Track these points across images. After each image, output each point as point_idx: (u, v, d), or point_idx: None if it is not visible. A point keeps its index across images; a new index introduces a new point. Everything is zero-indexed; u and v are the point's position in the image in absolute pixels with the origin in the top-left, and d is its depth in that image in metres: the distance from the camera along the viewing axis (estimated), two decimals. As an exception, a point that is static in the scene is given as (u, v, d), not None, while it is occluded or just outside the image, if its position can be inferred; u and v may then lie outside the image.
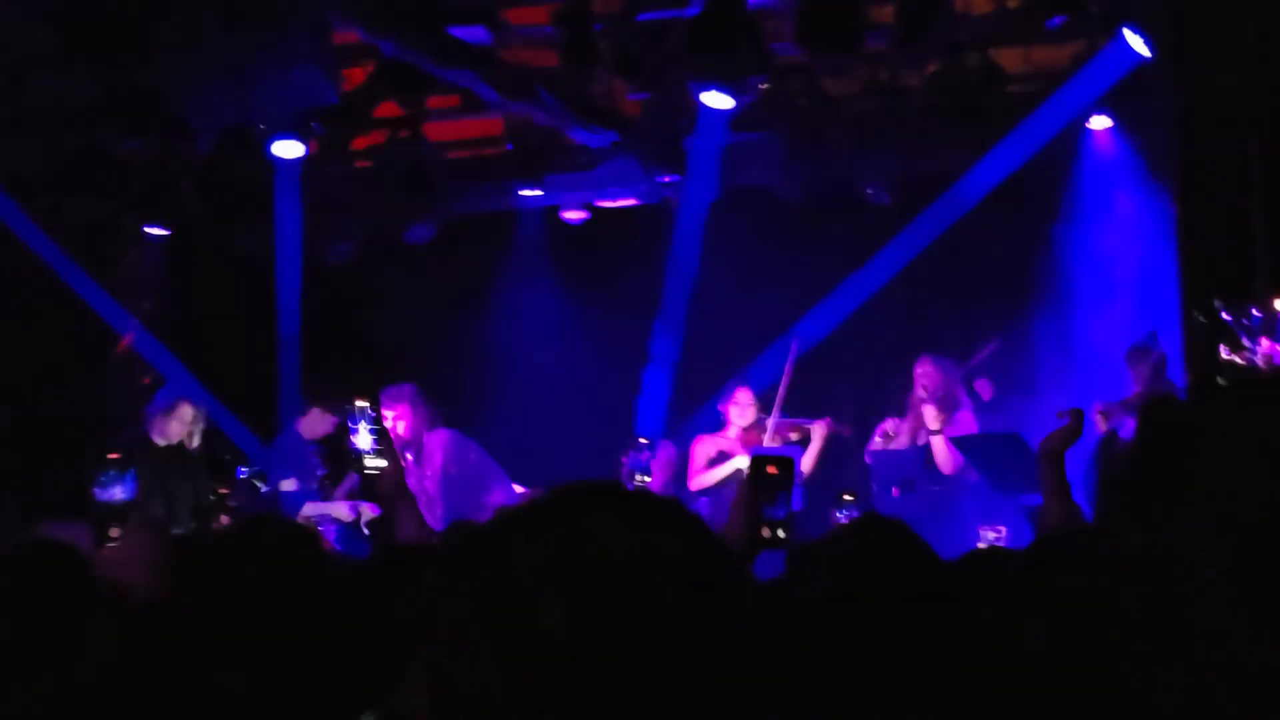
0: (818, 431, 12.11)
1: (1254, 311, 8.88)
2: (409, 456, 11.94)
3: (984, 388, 12.07)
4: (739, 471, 11.99)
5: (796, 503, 11.62)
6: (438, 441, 12.04)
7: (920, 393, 11.88)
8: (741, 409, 12.26)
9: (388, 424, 11.92)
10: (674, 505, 1.74)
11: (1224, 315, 8.77)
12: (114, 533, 3.24)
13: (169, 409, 11.86)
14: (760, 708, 1.66)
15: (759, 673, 1.67)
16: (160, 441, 11.59)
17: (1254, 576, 1.27)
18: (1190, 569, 1.30)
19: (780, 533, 4.12)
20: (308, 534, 3.94)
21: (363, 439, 5.32)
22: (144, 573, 3.50)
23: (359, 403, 5.42)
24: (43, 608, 4.05)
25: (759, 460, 4.22)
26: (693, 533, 1.71)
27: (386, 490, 6.01)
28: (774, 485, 4.14)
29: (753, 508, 4.14)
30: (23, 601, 4.19)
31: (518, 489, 11.80)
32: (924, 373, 11.92)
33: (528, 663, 1.60)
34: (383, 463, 5.26)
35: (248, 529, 4.03)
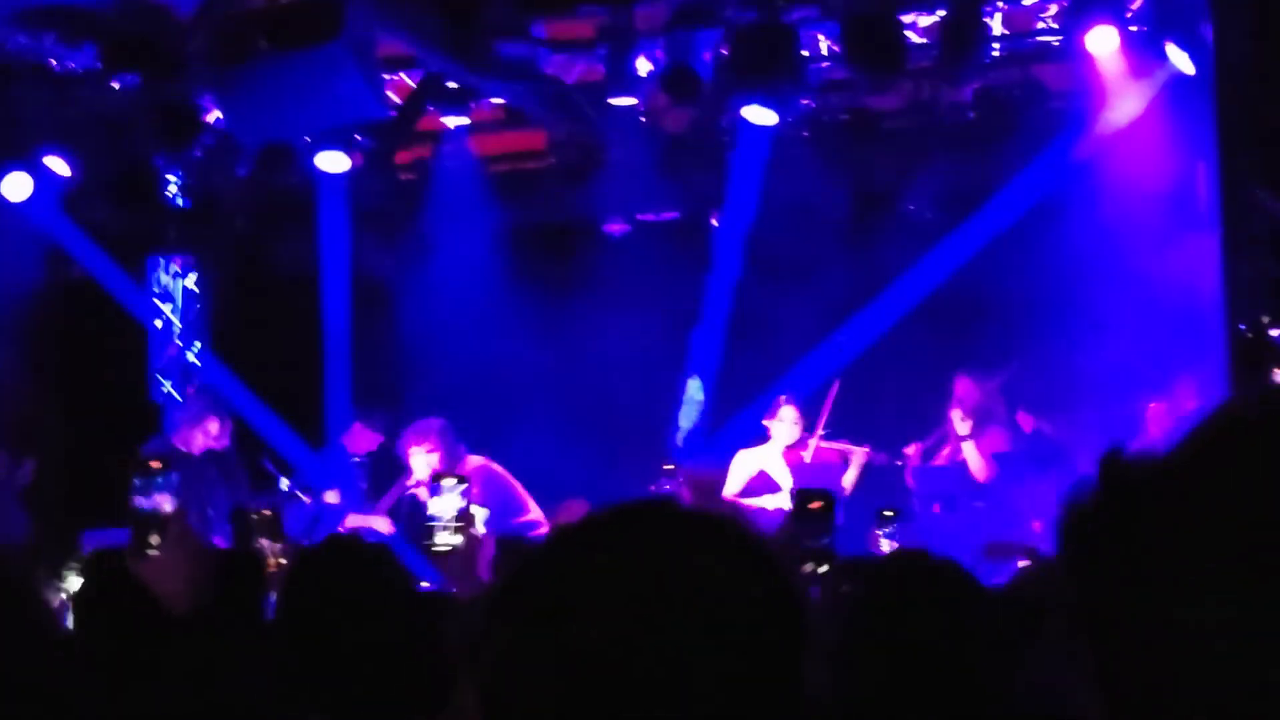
0: (856, 460, 12.10)
1: None
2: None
3: (1025, 420, 12.06)
4: (779, 510, 11.99)
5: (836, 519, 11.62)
6: (476, 476, 12.00)
7: (956, 404, 11.92)
8: (786, 424, 12.25)
9: (411, 461, 11.87)
10: (732, 524, 1.73)
11: (1272, 333, 8.73)
12: (154, 540, 3.26)
13: (195, 420, 11.89)
14: None
15: (818, 694, 1.67)
16: (184, 451, 11.63)
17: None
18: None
19: (822, 567, 4.13)
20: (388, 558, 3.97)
21: (448, 504, 5.23)
22: (184, 584, 3.52)
23: (447, 480, 5.33)
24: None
25: (803, 495, 4.23)
26: (752, 552, 1.70)
27: (455, 573, 5.97)
28: (816, 519, 4.15)
29: (794, 541, 4.15)
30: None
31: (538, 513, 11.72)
32: (963, 391, 11.95)
33: (581, 682, 1.59)
34: (459, 540, 5.19)
35: (331, 551, 4.07)
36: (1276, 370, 8.69)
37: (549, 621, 1.63)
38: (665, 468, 11.52)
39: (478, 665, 1.68)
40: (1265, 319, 8.68)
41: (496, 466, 11.90)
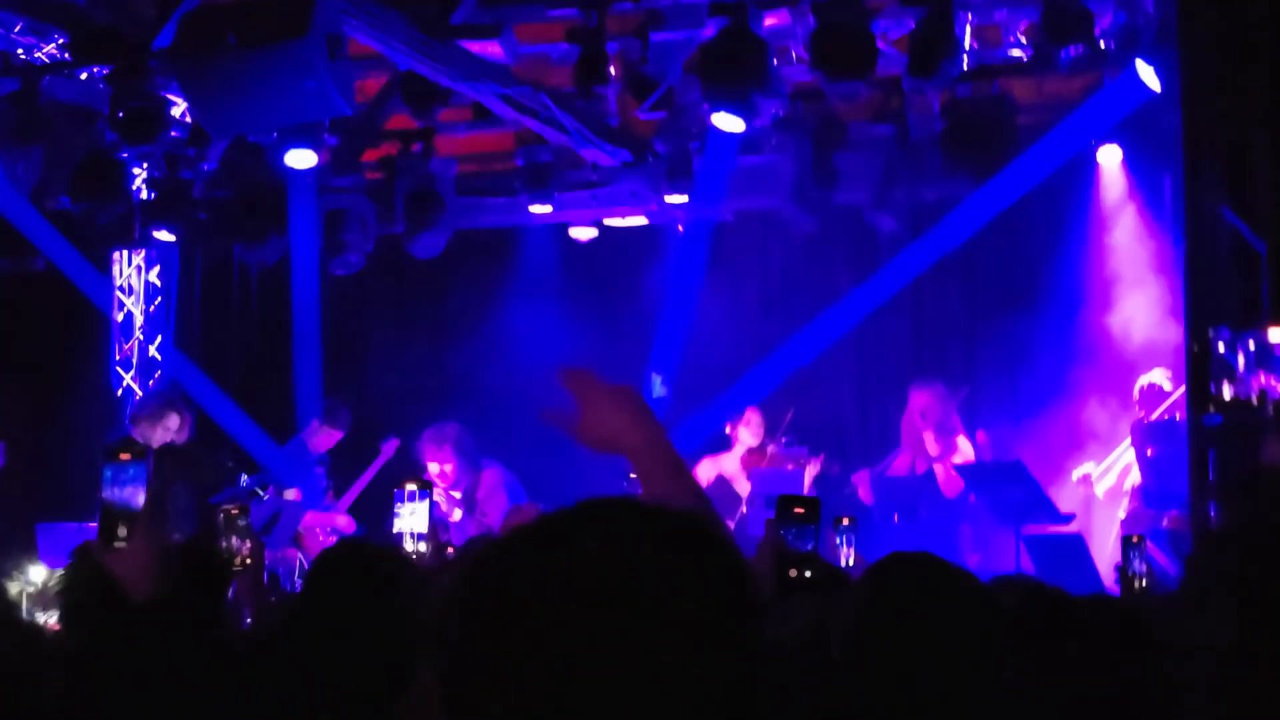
0: (809, 471, 12.12)
1: (1250, 344, 8.88)
2: (456, 495, 11.89)
3: (983, 438, 12.10)
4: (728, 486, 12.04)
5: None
6: (496, 481, 11.99)
7: (918, 420, 11.93)
8: (752, 430, 12.30)
9: (430, 467, 11.87)
10: (694, 521, 1.73)
11: (1218, 347, 8.77)
12: (122, 532, 3.23)
13: (155, 415, 11.84)
14: None
15: (776, 691, 1.67)
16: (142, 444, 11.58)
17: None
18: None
19: (808, 571, 4.11)
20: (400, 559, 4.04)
21: (408, 525, 5.22)
22: (146, 576, 3.52)
23: (410, 486, 5.31)
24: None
25: (786, 500, 4.21)
26: (711, 549, 1.70)
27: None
28: (801, 523, 4.14)
29: (779, 547, 4.13)
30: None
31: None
32: (922, 402, 11.97)
33: (538, 676, 1.59)
34: (422, 547, 5.18)
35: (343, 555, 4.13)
36: (1226, 384, 8.72)
37: (505, 614, 1.62)
38: (631, 476, 11.53)
39: (437, 657, 1.67)
40: (1211, 332, 8.71)
41: (506, 473, 11.96)
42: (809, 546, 4.14)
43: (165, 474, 11.42)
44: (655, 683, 1.58)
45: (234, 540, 5.62)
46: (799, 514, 4.17)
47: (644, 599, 1.61)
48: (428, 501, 5.58)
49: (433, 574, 5.06)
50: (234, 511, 5.71)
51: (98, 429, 13.05)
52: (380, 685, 3.59)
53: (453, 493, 11.90)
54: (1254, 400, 8.70)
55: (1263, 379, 8.80)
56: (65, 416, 13.83)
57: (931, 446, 11.87)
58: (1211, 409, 8.83)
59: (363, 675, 3.64)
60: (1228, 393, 8.75)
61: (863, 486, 12.10)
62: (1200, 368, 8.99)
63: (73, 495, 12.11)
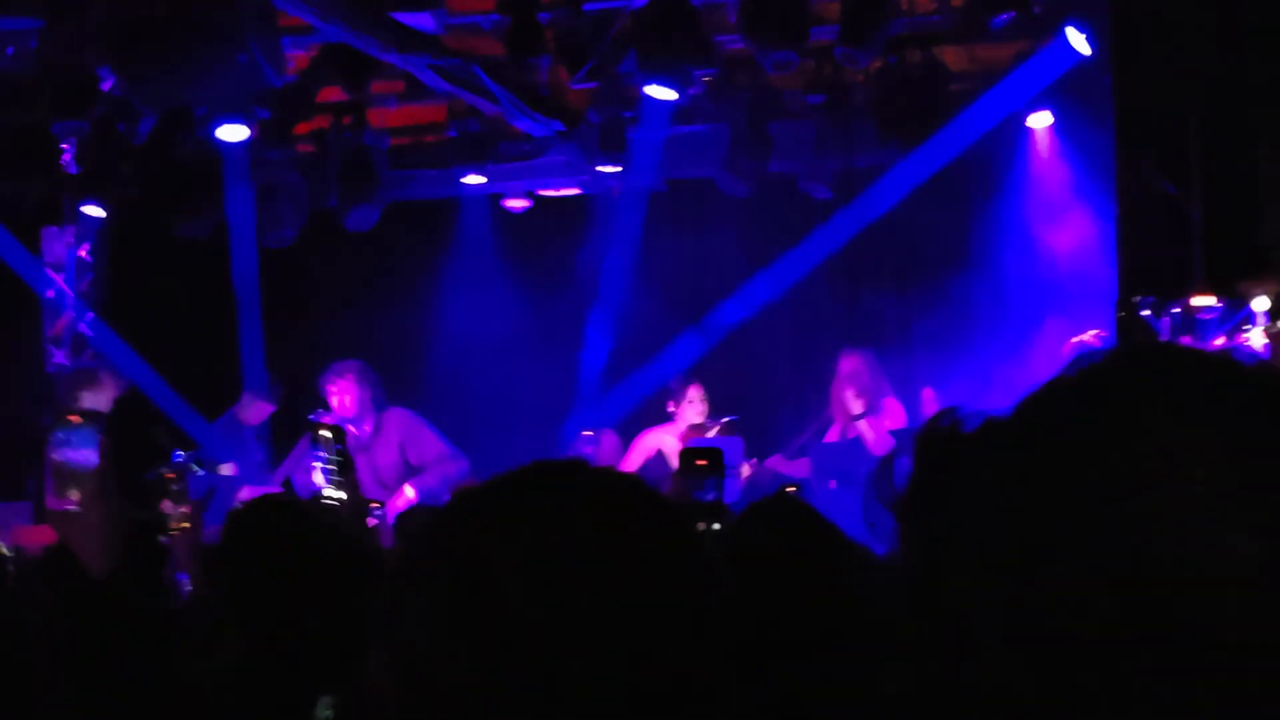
0: (743, 471, 12.10)
1: (1174, 309, 8.96)
2: (351, 429, 11.91)
3: (929, 397, 12.13)
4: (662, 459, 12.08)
5: (733, 493, 11.68)
6: (394, 422, 12.01)
7: (842, 389, 11.96)
8: (695, 408, 12.29)
9: (332, 400, 11.90)
10: (637, 484, 1.74)
11: (1143, 313, 8.84)
12: (74, 495, 3.20)
13: (84, 389, 11.76)
14: (721, 688, 1.66)
15: (723, 653, 1.67)
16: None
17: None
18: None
19: (714, 524, 4.12)
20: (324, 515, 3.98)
21: (319, 477, 5.20)
22: (101, 544, 3.50)
23: (323, 431, 5.28)
24: None
25: (688, 453, 4.23)
26: (656, 512, 1.70)
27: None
28: (703, 474, 4.14)
29: (683, 498, 4.15)
30: None
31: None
32: (851, 368, 11.99)
33: (488, 642, 1.59)
34: (341, 495, 5.15)
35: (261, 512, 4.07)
36: None
37: (454, 581, 1.62)
38: (584, 434, 11.52)
39: (386, 625, 1.67)
40: (1136, 298, 8.78)
41: (413, 419, 11.96)
42: (711, 497, 4.15)
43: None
44: (614, 644, 1.59)
45: (169, 505, 5.60)
46: (701, 465, 4.18)
47: (599, 561, 1.62)
48: (320, 461, 5.55)
49: (357, 524, 5.04)
50: (169, 476, 5.69)
51: (30, 407, 12.95)
52: (311, 637, 3.57)
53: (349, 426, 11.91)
54: None
55: (1185, 343, 8.88)
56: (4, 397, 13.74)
57: (854, 404, 11.90)
58: None
59: (289, 626, 3.60)
60: None
61: (779, 467, 12.15)
62: (1125, 334, 9.06)
63: (5, 473, 12.03)
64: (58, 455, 3.15)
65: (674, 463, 11.98)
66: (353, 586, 3.56)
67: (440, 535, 1.69)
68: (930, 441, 1.37)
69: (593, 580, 1.61)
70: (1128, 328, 9.04)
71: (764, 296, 13.28)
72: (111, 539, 3.28)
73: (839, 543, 3.38)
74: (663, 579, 1.64)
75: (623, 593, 1.61)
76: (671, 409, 12.43)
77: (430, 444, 11.93)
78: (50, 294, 14.48)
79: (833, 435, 12.19)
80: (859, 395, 11.91)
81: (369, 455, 11.88)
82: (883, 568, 3.55)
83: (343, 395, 11.91)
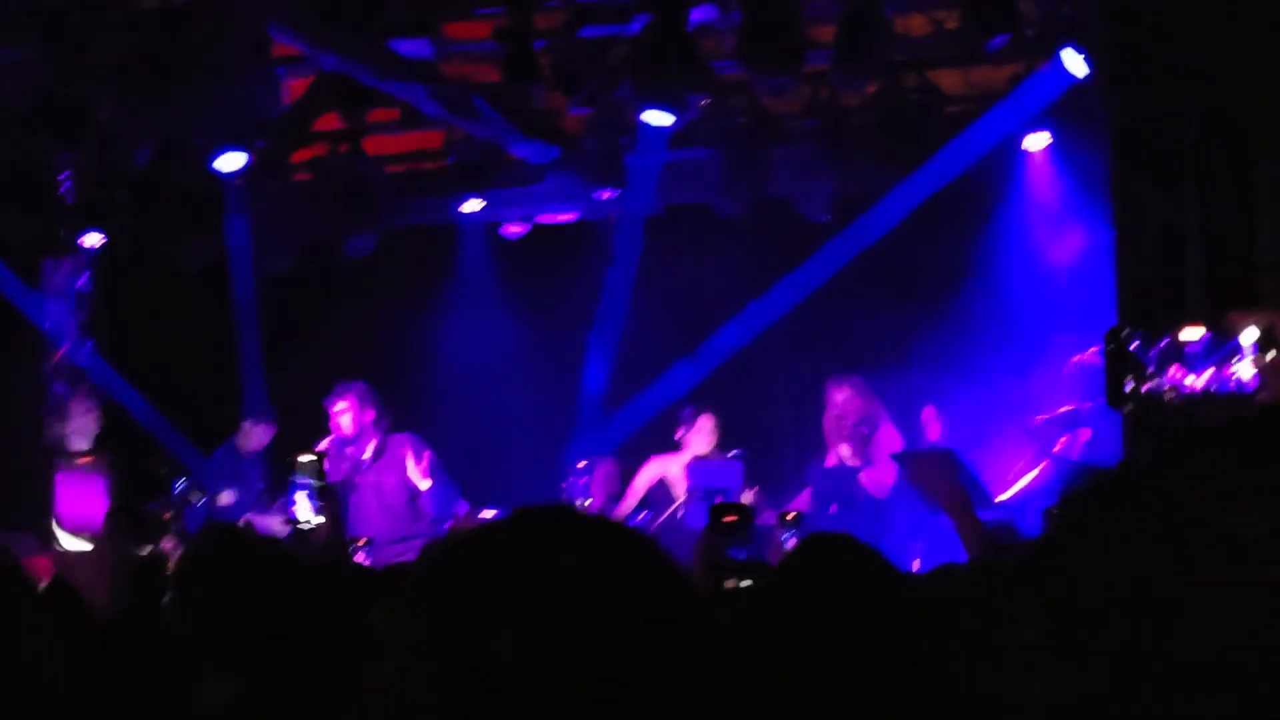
0: (745, 497, 12.09)
1: (1163, 341, 8.96)
2: (349, 451, 11.88)
3: (930, 418, 12.11)
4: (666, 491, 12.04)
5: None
6: (398, 445, 11.97)
7: (837, 418, 11.92)
8: (704, 435, 12.24)
9: (335, 421, 11.88)
10: (630, 532, 1.74)
11: (1132, 346, 8.85)
12: (84, 535, 3.22)
13: (79, 419, 11.76)
14: None
15: (715, 702, 1.67)
16: (83, 446, 11.51)
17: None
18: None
19: (745, 581, 4.09)
20: (274, 546, 3.98)
21: (302, 508, 5.18)
22: (108, 580, 3.49)
23: (303, 458, 5.26)
24: None
25: (717, 509, 4.20)
26: (650, 560, 1.70)
27: (318, 544, 5.93)
28: (733, 532, 4.12)
29: (713, 555, 4.13)
30: None
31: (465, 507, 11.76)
32: (844, 398, 11.95)
33: (475, 687, 1.58)
34: (320, 520, 5.14)
35: (215, 542, 4.05)
36: (1130, 380, 8.79)
37: (443, 624, 1.62)
38: (579, 465, 11.50)
39: (374, 667, 1.67)
40: (1125, 331, 8.79)
41: (415, 444, 11.93)
42: (743, 556, 4.12)
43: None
44: (602, 693, 1.58)
45: (168, 545, 5.61)
46: (729, 523, 4.15)
47: (587, 610, 1.62)
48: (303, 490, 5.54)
49: (337, 552, 5.04)
50: (166, 517, 5.70)
51: (29, 438, 12.94)
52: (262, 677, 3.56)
53: (349, 448, 11.89)
54: (1165, 395, 8.77)
55: (1174, 374, 8.88)
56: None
57: (850, 459, 11.89)
58: (1126, 404, 8.90)
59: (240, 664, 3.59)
60: (1137, 388, 8.84)
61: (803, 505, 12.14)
62: (1115, 366, 9.06)
63: (6, 506, 12.02)
64: (63, 495, 3.15)
65: (678, 490, 12.01)
66: (321, 615, 3.56)
67: (430, 578, 1.69)
68: (1071, 500, 1.40)
69: (581, 629, 1.60)
70: (1117, 360, 9.04)
71: (762, 321, 13.29)
72: (116, 577, 3.29)
73: (892, 576, 3.37)
74: (652, 630, 1.64)
75: (611, 642, 1.61)
76: (679, 436, 12.37)
77: (430, 469, 11.91)
78: (49, 325, 14.47)
79: (831, 461, 12.17)
80: (851, 445, 11.89)
81: (372, 477, 11.88)
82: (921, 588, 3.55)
83: (345, 415, 11.91)
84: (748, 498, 11.93)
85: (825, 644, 3.25)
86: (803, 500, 12.00)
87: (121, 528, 3.52)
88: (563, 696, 1.58)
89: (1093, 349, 11.31)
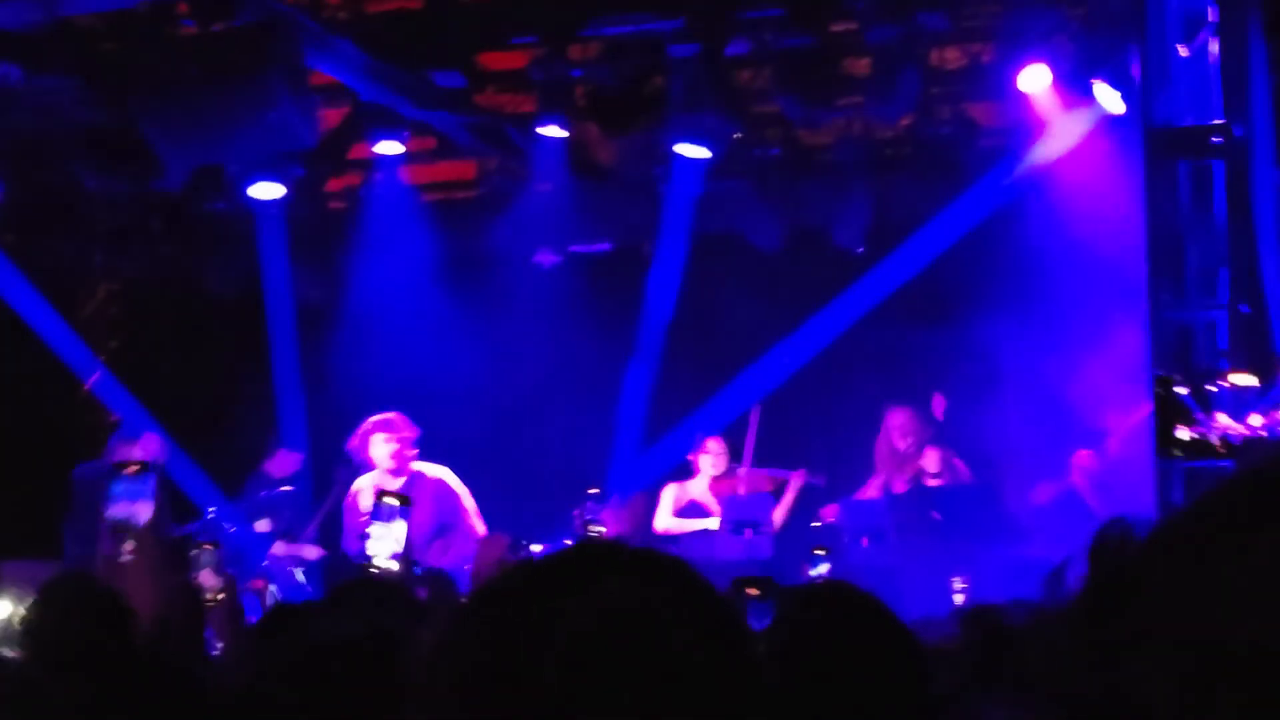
0: (793, 483, 12.15)
1: (1210, 387, 8.95)
2: (379, 483, 11.80)
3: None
4: (707, 531, 12.03)
5: (766, 551, 11.68)
6: (431, 479, 11.85)
7: (900, 445, 11.96)
8: (713, 458, 12.27)
9: (370, 451, 11.76)
10: (678, 565, 1.73)
11: (1178, 390, 8.84)
12: (128, 548, 3.22)
13: (134, 439, 11.78)
14: None
15: None
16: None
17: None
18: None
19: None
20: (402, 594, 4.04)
21: (384, 545, 5.13)
22: (155, 593, 3.50)
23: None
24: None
25: (740, 582, 4.18)
26: (696, 593, 1.70)
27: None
28: (756, 604, 4.10)
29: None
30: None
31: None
32: (902, 424, 12.00)
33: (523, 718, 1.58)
34: (394, 566, 5.11)
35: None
36: (1180, 427, 8.78)
37: (492, 658, 1.62)
38: (590, 491, 11.48)
39: (422, 701, 1.67)
40: (1176, 376, 8.78)
41: (450, 478, 11.87)
42: (765, 620, 4.12)
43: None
44: None
45: (207, 575, 5.61)
46: (753, 595, 4.13)
47: (639, 645, 1.61)
48: (400, 519, 5.54)
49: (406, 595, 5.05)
50: (206, 547, 5.70)
51: (63, 466, 12.95)
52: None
53: (391, 483, 11.77)
54: (1214, 442, 8.77)
55: (1219, 421, 8.86)
56: (28, 453, 13.75)
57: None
58: (1175, 451, 8.90)
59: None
60: (1186, 435, 8.83)
61: (830, 516, 12.14)
62: (1162, 411, 9.05)
63: (38, 532, 12.04)
64: (114, 508, 3.14)
65: (709, 511, 12.01)
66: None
67: (480, 612, 1.69)
68: (1105, 548, 1.39)
69: (632, 664, 1.60)
70: (1165, 407, 9.02)
71: (803, 354, 13.30)
72: (160, 589, 3.31)
73: (892, 633, 3.36)
74: (704, 662, 1.64)
75: (660, 675, 1.61)
76: (691, 458, 12.42)
77: (461, 506, 11.85)
78: (82, 353, 14.50)
79: (867, 492, 12.16)
80: (907, 459, 11.96)
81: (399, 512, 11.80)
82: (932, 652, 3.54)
83: (383, 447, 11.89)
84: (795, 481, 11.99)
85: (821, 697, 3.25)
86: (830, 512, 12.03)
87: (155, 537, 3.54)
88: None
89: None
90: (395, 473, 11.68)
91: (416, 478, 11.79)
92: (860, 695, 3.23)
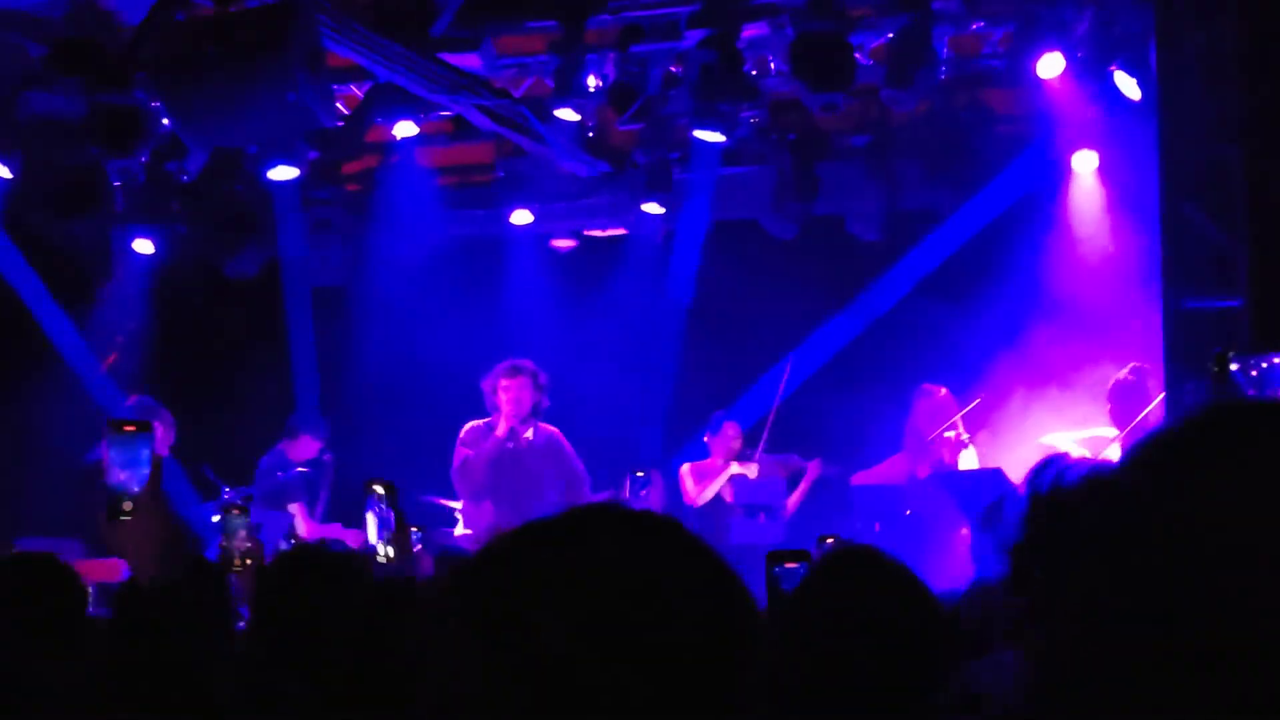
0: (810, 472, 12.15)
1: (1264, 363, 8.91)
2: (499, 435, 11.83)
3: (986, 440, 12.09)
4: (720, 512, 12.04)
5: (778, 535, 11.68)
6: (550, 436, 11.91)
7: (925, 428, 11.94)
8: (727, 442, 12.29)
9: (499, 397, 11.83)
10: (675, 525, 1.74)
11: (1233, 367, 8.79)
12: (127, 507, 3.24)
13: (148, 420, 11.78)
14: None
15: (762, 695, 1.68)
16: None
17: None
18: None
19: None
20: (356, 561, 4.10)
21: (372, 532, 5.14)
22: (154, 551, 3.51)
23: (376, 488, 5.20)
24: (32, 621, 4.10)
25: (774, 556, 4.14)
26: (695, 553, 1.71)
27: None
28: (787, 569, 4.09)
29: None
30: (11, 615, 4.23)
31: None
32: (929, 407, 11.98)
33: (526, 680, 1.59)
34: (391, 551, 5.10)
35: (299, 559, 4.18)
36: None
37: (493, 619, 1.63)
38: (637, 474, 11.45)
39: (426, 663, 1.68)
40: (1229, 354, 8.75)
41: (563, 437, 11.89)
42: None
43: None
44: (646, 684, 1.59)
45: (235, 541, 5.59)
46: (791, 568, 4.11)
47: (631, 599, 1.63)
48: (391, 502, 5.53)
49: (403, 580, 5.05)
50: (234, 512, 5.68)
51: (75, 446, 12.98)
52: (346, 687, 3.62)
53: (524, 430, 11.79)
54: None
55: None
56: (42, 434, 13.77)
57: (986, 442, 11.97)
58: None
59: (327, 675, 3.66)
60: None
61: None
62: (1219, 389, 9.00)
63: (52, 512, 12.08)
64: (110, 464, 3.15)
65: (723, 494, 12.01)
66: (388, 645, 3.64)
67: (480, 575, 1.71)
68: (1040, 493, 1.41)
69: (630, 620, 1.62)
70: (1220, 384, 8.97)
71: (830, 346, 13.34)
72: (161, 548, 3.31)
73: (916, 591, 3.39)
74: (702, 620, 1.65)
75: (660, 633, 1.62)
76: (706, 440, 12.43)
77: (575, 467, 11.91)
78: (100, 332, 14.54)
79: (898, 469, 12.13)
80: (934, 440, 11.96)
81: (521, 460, 11.82)
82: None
83: (514, 393, 11.81)
84: (812, 470, 12.00)
85: (846, 659, 3.28)
86: (815, 467, 12.06)
87: (158, 493, 3.54)
88: (612, 689, 1.59)
89: (1131, 366, 11.27)
90: (521, 421, 11.68)
91: (537, 429, 11.83)
92: (882, 651, 3.27)
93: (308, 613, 3.88)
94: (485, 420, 12.00)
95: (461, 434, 11.99)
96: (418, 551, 9.44)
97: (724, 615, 1.67)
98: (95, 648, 3.74)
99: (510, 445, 11.76)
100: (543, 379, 11.88)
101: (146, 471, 3.60)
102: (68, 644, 4.19)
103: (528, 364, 11.91)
